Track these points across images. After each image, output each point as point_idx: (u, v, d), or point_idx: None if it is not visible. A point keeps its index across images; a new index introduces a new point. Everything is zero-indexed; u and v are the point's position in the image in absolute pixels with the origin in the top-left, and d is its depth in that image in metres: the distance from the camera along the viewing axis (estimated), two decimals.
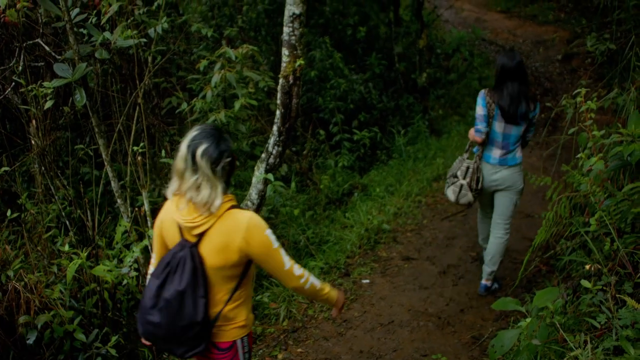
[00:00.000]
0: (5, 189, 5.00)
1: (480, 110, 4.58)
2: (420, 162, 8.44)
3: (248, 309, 2.70)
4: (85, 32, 4.68)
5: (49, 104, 4.32)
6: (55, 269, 3.91)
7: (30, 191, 4.81)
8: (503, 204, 4.81)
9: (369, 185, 7.64)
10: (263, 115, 7.16)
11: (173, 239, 2.59)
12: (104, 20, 4.53)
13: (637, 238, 3.57)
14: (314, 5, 9.73)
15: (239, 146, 5.44)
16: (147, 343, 2.72)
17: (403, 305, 5.02)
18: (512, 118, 4.50)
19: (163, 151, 4.75)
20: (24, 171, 5.06)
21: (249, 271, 2.64)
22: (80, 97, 4.19)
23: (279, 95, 4.81)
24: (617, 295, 3.11)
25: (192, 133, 2.48)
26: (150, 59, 4.81)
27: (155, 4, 5.33)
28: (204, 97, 5.12)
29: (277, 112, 4.89)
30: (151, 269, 2.76)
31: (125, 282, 4.02)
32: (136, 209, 4.42)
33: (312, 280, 2.67)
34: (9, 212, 4.10)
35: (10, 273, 3.60)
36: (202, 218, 2.45)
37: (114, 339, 3.68)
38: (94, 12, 4.84)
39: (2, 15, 4.28)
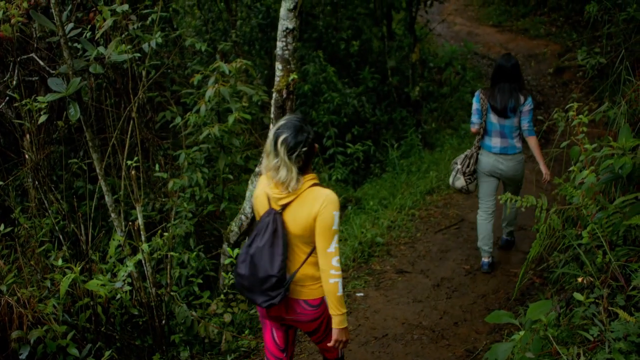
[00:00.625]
0: None
1: (474, 105, 5.27)
2: (413, 175, 8.46)
3: None
4: (79, 46, 4.69)
5: (42, 119, 4.33)
6: (48, 283, 3.90)
7: (24, 205, 4.80)
8: (511, 191, 5.35)
9: (362, 199, 7.65)
10: (257, 129, 7.19)
11: (263, 207, 3.03)
12: (98, 35, 4.55)
13: (629, 250, 3.59)
14: (307, 19, 9.80)
15: (233, 160, 5.44)
16: None
17: (397, 318, 5.02)
18: (502, 112, 5.09)
19: (157, 165, 4.75)
20: (17, 185, 5.05)
21: None
22: (74, 112, 4.20)
23: (272, 109, 4.83)
24: (610, 308, 3.12)
25: (280, 122, 2.94)
26: (144, 73, 4.82)
27: (150, 18, 5.36)
28: (198, 111, 5.13)
29: (271, 126, 4.91)
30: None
31: (118, 296, 4.01)
32: (130, 223, 4.41)
33: (340, 285, 2.92)
34: (2, 227, 4.10)
35: (3, 288, 3.59)
36: (288, 192, 2.90)
37: (107, 353, 3.66)
38: (89, 26, 4.86)
39: None
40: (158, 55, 6.11)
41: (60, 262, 3.96)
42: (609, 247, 3.55)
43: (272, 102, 4.82)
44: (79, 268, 3.78)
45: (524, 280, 5.18)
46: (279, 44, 4.71)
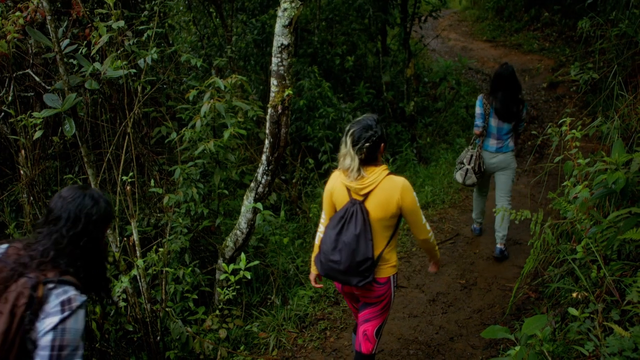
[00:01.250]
0: None
1: (478, 110, 5.86)
2: None
3: (396, 254, 3.56)
4: (75, 62, 4.71)
5: (38, 134, 4.33)
6: None
7: (19, 221, 4.79)
8: (503, 181, 5.99)
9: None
10: (252, 144, 7.20)
11: (343, 199, 3.42)
12: (94, 51, 4.57)
13: (623, 265, 3.60)
14: (302, 35, 9.85)
15: (228, 175, 5.45)
16: (318, 286, 3.81)
17: (393, 333, 5.01)
18: (504, 117, 5.72)
19: (152, 180, 4.75)
20: (12, 201, 5.04)
21: (399, 224, 3.48)
22: (69, 127, 4.20)
23: (267, 124, 4.84)
24: (605, 323, 3.13)
25: (357, 119, 3.41)
26: (140, 88, 4.84)
27: (145, 34, 5.38)
28: (193, 126, 5.14)
29: (266, 142, 4.92)
30: (321, 227, 3.66)
31: (113, 312, 3.99)
32: (125, 238, 4.40)
33: (434, 241, 3.59)
34: None
35: None
36: (368, 182, 3.30)
37: None
38: (84, 42, 4.87)
39: None
40: (154, 70, 6.13)
41: None
42: (604, 262, 3.57)
43: (268, 117, 4.83)
44: None
45: (520, 295, 5.19)
46: (274, 60, 4.73)
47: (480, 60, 14.64)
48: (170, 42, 7.83)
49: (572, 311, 3.00)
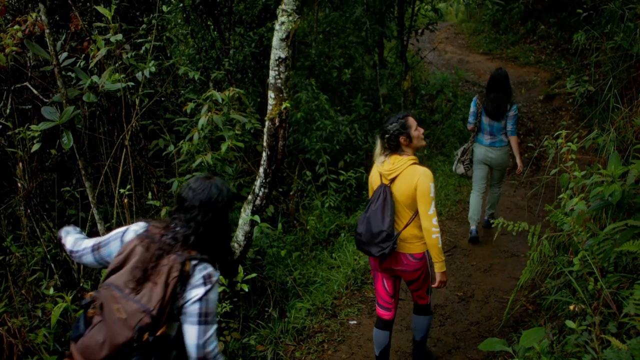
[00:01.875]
0: None
1: (472, 108, 6.59)
2: None
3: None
4: (73, 75, 4.72)
5: (35, 147, 4.34)
6: (39, 312, 3.87)
7: (16, 234, 4.78)
8: (497, 175, 6.81)
9: (355, 226, 7.64)
10: (250, 156, 7.20)
11: (376, 183, 4.06)
12: (92, 64, 4.58)
13: (620, 277, 3.60)
14: (300, 47, 9.89)
15: None
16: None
17: (390, 346, 5.00)
18: (494, 116, 6.37)
19: (150, 193, 4.75)
20: (9, 213, 5.03)
21: None
22: (67, 140, 4.21)
23: (265, 137, 4.85)
24: (602, 336, 3.12)
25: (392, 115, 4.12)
26: (137, 101, 4.85)
27: (143, 47, 5.40)
28: (191, 139, 5.15)
29: (264, 154, 4.93)
30: None
31: None
32: None
33: (439, 239, 3.85)
34: None
35: None
36: (394, 168, 3.90)
37: None
38: (82, 55, 4.89)
39: None
40: (151, 83, 6.15)
41: (51, 291, 3.93)
42: (601, 274, 3.57)
43: (265, 130, 4.85)
44: (71, 297, 3.76)
45: (517, 307, 5.18)
46: (272, 73, 4.76)
47: (477, 73, 14.71)
48: (168, 54, 7.85)
49: (570, 324, 3.00)
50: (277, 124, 4.77)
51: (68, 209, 5.39)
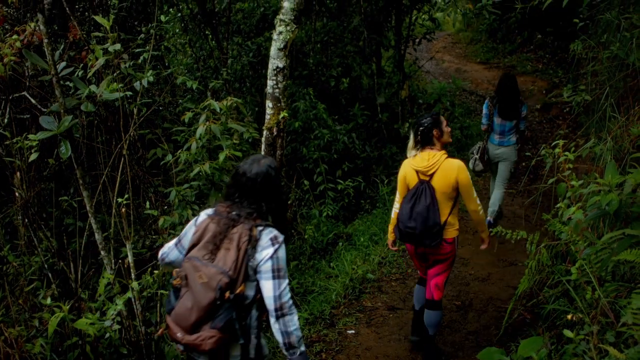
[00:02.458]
0: None
1: (484, 110, 7.11)
2: None
3: (458, 221, 4.52)
4: (71, 85, 4.73)
5: (33, 157, 4.33)
6: (36, 322, 3.85)
7: (13, 243, 4.77)
8: (502, 170, 7.16)
9: (353, 235, 7.65)
10: None
11: (413, 180, 4.41)
12: (90, 74, 4.59)
13: (618, 286, 3.60)
14: (297, 57, 9.91)
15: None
16: (394, 249, 5.04)
17: (389, 356, 4.99)
18: (505, 115, 6.87)
19: (148, 202, 4.74)
20: (6, 222, 5.02)
21: (458, 196, 4.42)
22: (65, 150, 4.21)
23: (263, 146, 4.87)
24: (600, 345, 3.12)
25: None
26: (135, 111, 4.85)
27: (142, 57, 5.41)
28: (188, 148, 5.15)
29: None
30: (396, 205, 4.61)
31: (107, 335, 3.96)
32: (120, 260, 4.39)
33: (483, 215, 4.52)
34: None
35: None
36: (431, 164, 4.30)
37: None
38: (81, 65, 4.90)
39: None
40: (149, 93, 6.16)
41: (48, 300, 3.92)
42: (598, 283, 3.57)
43: (263, 139, 4.86)
44: (68, 307, 3.74)
45: (515, 316, 5.18)
46: (270, 83, 4.77)
47: (474, 82, 14.75)
48: (166, 64, 7.87)
49: (567, 333, 3.00)
50: (275, 133, 4.78)
51: (65, 219, 5.38)
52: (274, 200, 3.07)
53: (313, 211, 7.81)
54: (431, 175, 4.32)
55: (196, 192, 5.23)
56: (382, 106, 10.49)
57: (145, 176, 5.74)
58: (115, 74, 4.67)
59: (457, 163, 4.31)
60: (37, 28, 4.59)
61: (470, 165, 7.21)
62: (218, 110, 5.10)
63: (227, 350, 2.85)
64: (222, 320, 2.72)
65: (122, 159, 4.57)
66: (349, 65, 10.68)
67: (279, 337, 2.87)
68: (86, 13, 6.87)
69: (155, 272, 4.34)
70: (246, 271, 2.82)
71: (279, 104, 4.76)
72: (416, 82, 13.27)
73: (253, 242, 2.86)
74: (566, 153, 4.02)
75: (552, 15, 14.17)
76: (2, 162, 4.84)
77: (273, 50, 4.71)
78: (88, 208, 4.45)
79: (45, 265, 4.56)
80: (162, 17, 5.67)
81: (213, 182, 5.25)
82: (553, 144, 4.31)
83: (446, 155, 4.35)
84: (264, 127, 4.86)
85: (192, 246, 2.92)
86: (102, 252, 4.51)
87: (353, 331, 5.40)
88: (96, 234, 4.51)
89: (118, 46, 4.57)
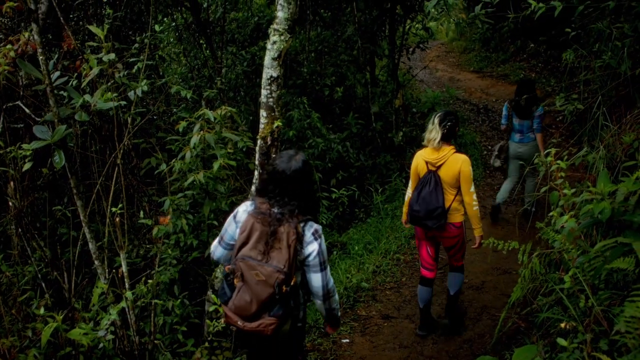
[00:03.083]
0: None
1: (504, 112, 7.79)
2: (398, 219, 8.47)
3: (462, 208, 5.00)
4: (65, 94, 4.72)
5: (27, 166, 4.32)
6: (29, 332, 3.83)
7: (6, 253, 4.75)
8: (529, 166, 7.43)
9: (347, 244, 7.65)
10: (242, 174, 7.20)
11: (423, 170, 5.02)
12: (84, 83, 4.59)
13: (611, 294, 3.61)
14: (292, 66, 9.94)
15: (218, 206, 5.44)
16: (407, 226, 5.59)
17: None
18: (523, 115, 7.46)
19: (142, 212, 4.73)
20: (0, 232, 5.00)
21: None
22: (59, 159, 4.20)
23: (257, 155, 4.87)
24: (593, 353, 3.13)
25: (441, 110, 5.21)
26: (129, 120, 4.85)
27: (136, 66, 5.42)
28: (183, 157, 5.15)
29: (256, 173, 4.94)
30: (408, 191, 5.28)
31: (101, 345, 3.95)
32: (114, 270, 4.38)
33: (478, 212, 4.96)
34: None
35: None
36: (441, 156, 4.89)
37: None
38: (75, 75, 4.90)
39: None
40: (144, 102, 6.16)
41: (42, 310, 3.89)
42: (592, 291, 3.58)
43: (257, 148, 4.87)
44: (62, 317, 3.73)
45: (509, 324, 5.18)
46: (264, 92, 4.78)
47: (468, 91, 14.81)
48: (161, 73, 7.88)
49: (561, 342, 3.01)
50: (269, 142, 4.79)
51: (59, 228, 5.37)
52: (311, 194, 3.36)
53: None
54: (439, 167, 4.90)
55: (190, 201, 5.23)
56: (376, 115, 10.51)
57: (140, 185, 5.73)
58: (109, 84, 4.67)
59: (462, 157, 4.89)
60: (31, 37, 4.59)
61: (491, 161, 8.11)
62: (212, 119, 5.10)
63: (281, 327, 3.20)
64: (281, 309, 3.10)
65: (116, 168, 4.56)
66: (343, 74, 10.70)
67: (323, 311, 3.45)
68: (80, 22, 6.88)
69: (149, 281, 4.34)
70: (296, 264, 3.14)
71: (273, 113, 4.77)
72: (410, 91, 13.33)
73: (300, 238, 3.15)
74: (559, 161, 4.03)
75: (545, 24, 14.25)
76: None
77: (267, 60, 4.72)
78: (82, 217, 4.44)
79: (39, 275, 4.54)
80: (157, 27, 5.68)
81: (207, 191, 5.25)
82: (546, 152, 4.33)
83: (454, 150, 4.93)
84: (258, 136, 4.86)
85: (242, 245, 3.17)
86: (96, 262, 4.50)
87: (347, 340, 5.39)
88: (90, 244, 4.49)
89: (112, 56, 4.57)
